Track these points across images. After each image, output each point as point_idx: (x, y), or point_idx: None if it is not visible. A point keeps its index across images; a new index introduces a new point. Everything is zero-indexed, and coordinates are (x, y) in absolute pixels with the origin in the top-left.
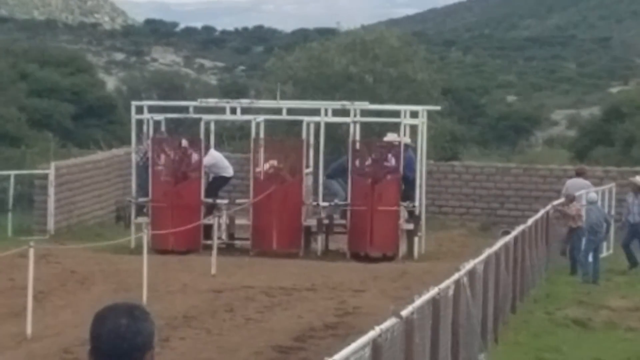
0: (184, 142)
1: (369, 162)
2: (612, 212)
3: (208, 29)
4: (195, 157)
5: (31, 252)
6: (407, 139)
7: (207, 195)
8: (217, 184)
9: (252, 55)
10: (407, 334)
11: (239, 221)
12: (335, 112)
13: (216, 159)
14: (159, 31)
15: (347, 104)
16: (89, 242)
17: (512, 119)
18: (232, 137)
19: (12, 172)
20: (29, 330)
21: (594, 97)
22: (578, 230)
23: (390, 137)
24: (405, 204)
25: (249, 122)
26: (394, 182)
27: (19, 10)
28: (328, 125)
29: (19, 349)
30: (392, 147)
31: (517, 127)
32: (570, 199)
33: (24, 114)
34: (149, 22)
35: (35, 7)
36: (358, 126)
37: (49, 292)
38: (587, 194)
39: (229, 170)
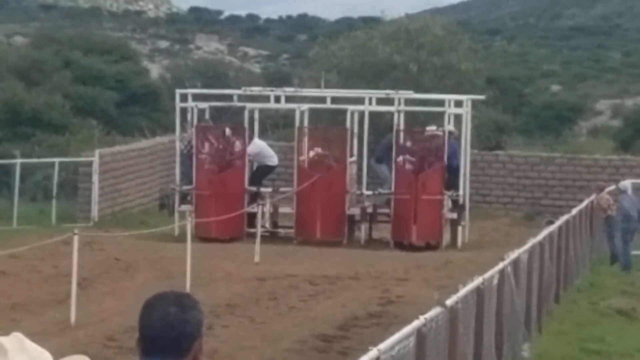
0: (228, 131)
1: (412, 150)
2: None
3: (252, 17)
4: (238, 145)
5: (75, 239)
6: (451, 127)
7: (251, 183)
8: (262, 172)
9: (296, 43)
10: (452, 324)
11: (282, 209)
12: (380, 101)
13: (260, 147)
14: (203, 19)
15: (391, 92)
16: (132, 229)
17: (556, 109)
18: (276, 125)
19: (57, 160)
20: (72, 317)
21: (638, 87)
22: (610, 219)
23: (431, 129)
24: (449, 193)
25: (292, 110)
26: (438, 171)
27: None
28: (372, 114)
29: (63, 337)
30: (436, 136)
31: (561, 117)
32: (601, 189)
33: (68, 101)
34: (193, 10)
35: None
36: (402, 115)
37: (92, 280)
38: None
39: (273, 159)
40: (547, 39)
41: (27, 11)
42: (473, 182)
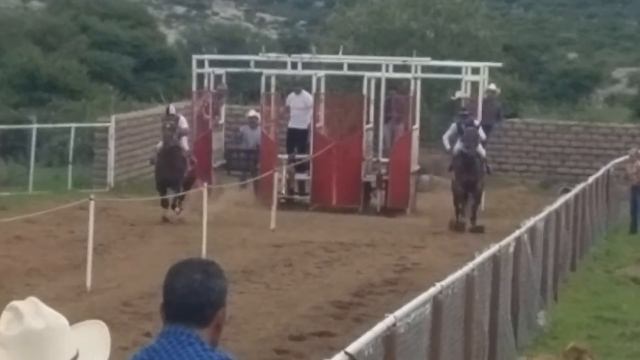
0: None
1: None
2: None
3: None
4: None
5: (91, 204)
6: (493, 86)
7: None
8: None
9: (312, 9)
10: (468, 291)
11: (298, 176)
12: (397, 68)
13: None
14: None
15: (408, 59)
16: (148, 195)
17: (572, 77)
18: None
19: (73, 125)
20: (88, 282)
21: None
22: (635, 188)
23: (458, 94)
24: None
25: (309, 77)
26: None
27: None
28: (389, 81)
29: (79, 302)
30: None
31: (578, 85)
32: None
33: (85, 66)
34: None
35: None
36: (419, 82)
37: (108, 245)
38: None
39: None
40: (564, 7)
41: None
42: (489, 150)
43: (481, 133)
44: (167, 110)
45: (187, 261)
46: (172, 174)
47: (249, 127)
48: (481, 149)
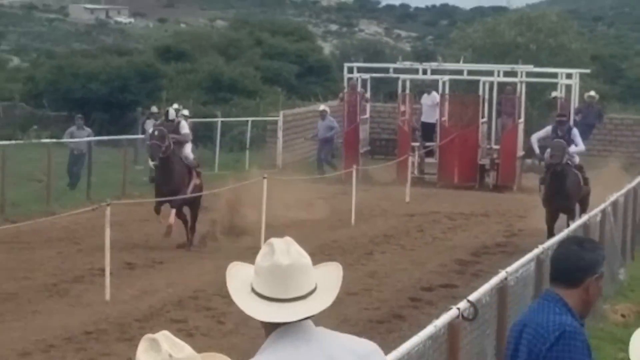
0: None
1: None
2: None
3: (404, 6)
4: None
5: (264, 182)
6: (592, 93)
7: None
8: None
9: (439, 27)
10: None
11: (428, 160)
12: (506, 74)
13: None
14: (365, 7)
15: (515, 67)
16: (310, 175)
17: None
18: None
19: (249, 119)
20: (261, 243)
21: None
22: None
23: (554, 94)
24: None
25: (436, 80)
26: None
27: None
28: (499, 84)
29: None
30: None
31: None
32: None
33: (259, 72)
34: (357, 0)
35: None
36: (524, 85)
37: (278, 214)
38: None
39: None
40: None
41: (226, 1)
42: (589, 141)
43: (574, 146)
44: (166, 114)
45: (571, 237)
46: (170, 185)
47: (320, 119)
48: (575, 159)
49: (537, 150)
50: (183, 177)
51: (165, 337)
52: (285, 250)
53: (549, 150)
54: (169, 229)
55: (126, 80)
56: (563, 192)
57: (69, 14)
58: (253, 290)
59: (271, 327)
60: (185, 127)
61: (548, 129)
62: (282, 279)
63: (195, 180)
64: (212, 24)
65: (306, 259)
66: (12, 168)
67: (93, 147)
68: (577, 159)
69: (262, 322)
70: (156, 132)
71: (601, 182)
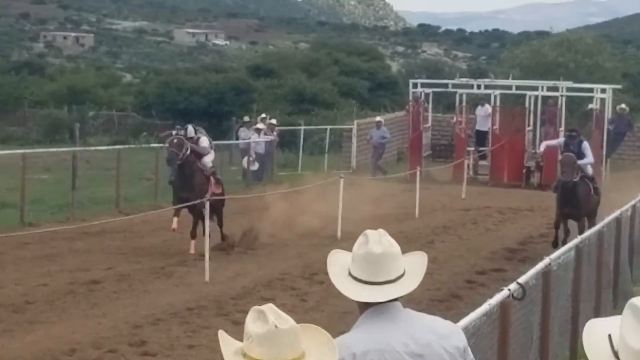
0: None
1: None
2: None
3: (461, 31)
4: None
5: (341, 181)
6: (623, 105)
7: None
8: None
9: (491, 48)
10: (599, 242)
11: (481, 162)
12: (549, 89)
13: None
14: (427, 32)
15: (556, 83)
16: (378, 176)
17: None
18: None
19: (328, 127)
20: (339, 234)
21: None
22: None
23: (590, 106)
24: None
25: (489, 94)
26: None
27: (333, 17)
28: (543, 98)
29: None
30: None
31: None
32: None
33: (336, 87)
34: (420, 25)
35: (344, 14)
36: (564, 99)
37: (352, 208)
38: None
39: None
40: None
41: (308, 26)
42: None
43: (584, 159)
44: (185, 130)
45: None
46: (187, 190)
47: (376, 127)
48: (587, 169)
49: (541, 149)
50: (200, 184)
51: (271, 309)
52: (377, 240)
53: (560, 166)
54: (191, 233)
55: (222, 94)
56: (574, 202)
57: (174, 37)
58: (350, 274)
59: (364, 307)
60: (204, 142)
61: (560, 140)
62: (374, 265)
63: (214, 189)
64: (296, 46)
65: (396, 247)
66: (125, 169)
67: None
68: (589, 170)
69: (357, 302)
70: (175, 140)
71: (629, 182)
